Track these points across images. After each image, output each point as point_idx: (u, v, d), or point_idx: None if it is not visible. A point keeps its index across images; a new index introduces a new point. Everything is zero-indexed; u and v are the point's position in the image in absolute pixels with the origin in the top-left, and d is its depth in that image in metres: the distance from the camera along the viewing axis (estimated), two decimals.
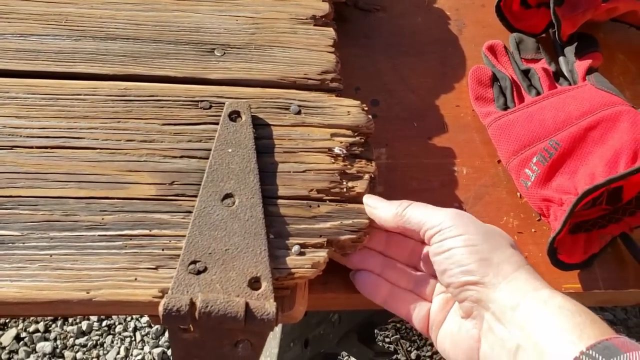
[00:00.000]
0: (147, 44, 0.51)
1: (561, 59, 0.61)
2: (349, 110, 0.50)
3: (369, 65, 0.60)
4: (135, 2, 0.53)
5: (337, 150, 0.48)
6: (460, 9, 0.65)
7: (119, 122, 0.47)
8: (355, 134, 0.49)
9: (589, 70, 0.57)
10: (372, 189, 0.48)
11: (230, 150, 0.46)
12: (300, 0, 0.55)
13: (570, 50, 0.59)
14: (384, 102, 0.58)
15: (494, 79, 0.58)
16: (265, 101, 0.50)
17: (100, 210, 0.43)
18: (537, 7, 0.62)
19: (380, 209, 0.45)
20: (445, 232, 0.42)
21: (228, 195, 0.44)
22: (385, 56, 0.61)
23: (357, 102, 0.51)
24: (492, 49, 0.60)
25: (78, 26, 0.51)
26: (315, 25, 0.54)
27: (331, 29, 0.55)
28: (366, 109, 0.51)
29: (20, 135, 0.45)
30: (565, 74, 0.59)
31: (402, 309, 0.46)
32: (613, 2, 0.57)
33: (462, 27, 0.64)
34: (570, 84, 0.58)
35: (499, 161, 0.55)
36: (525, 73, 0.59)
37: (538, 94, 0.57)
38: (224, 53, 0.51)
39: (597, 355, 0.34)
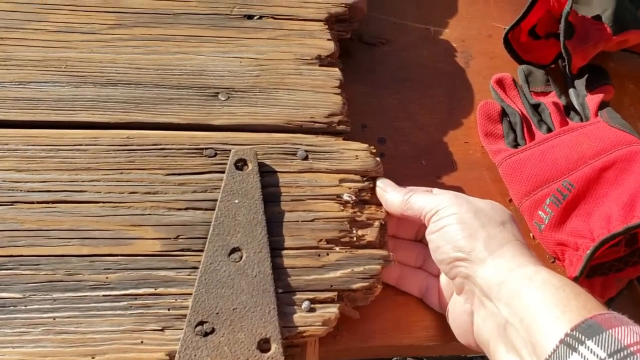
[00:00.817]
0: (149, 89, 0.50)
1: (571, 91, 0.59)
2: (357, 155, 0.49)
3: (375, 101, 0.59)
4: (135, 44, 0.52)
5: (346, 197, 0.47)
6: (466, 40, 0.63)
7: (121, 173, 0.46)
8: (364, 178, 0.48)
9: (601, 105, 0.56)
10: (382, 236, 0.47)
11: (236, 201, 0.45)
12: (305, 40, 0.54)
13: (580, 83, 0.58)
14: (391, 140, 0.57)
15: (503, 114, 0.57)
16: (272, 147, 0.48)
17: (104, 269, 0.42)
18: (546, 37, 0.61)
19: (390, 194, 0.47)
20: (441, 212, 0.44)
21: (235, 250, 0.43)
22: (391, 91, 0.60)
23: (365, 146, 0.50)
24: (500, 83, 0.59)
25: (78, 72, 0.50)
26: (320, 65, 0.53)
27: (337, 69, 0.53)
28: (374, 151, 0.50)
29: (21, 190, 0.44)
30: (576, 107, 0.58)
31: (413, 288, 0.48)
32: (624, 35, 0.56)
33: (469, 59, 0.62)
34: (581, 119, 0.56)
35: (511, 200, 0.54)
36: (535, 107, 0.57)
37: (549, 129, 0.55)
38: (228, 97, 0.50)
39: (580, 335, 0.34)
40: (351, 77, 0.58)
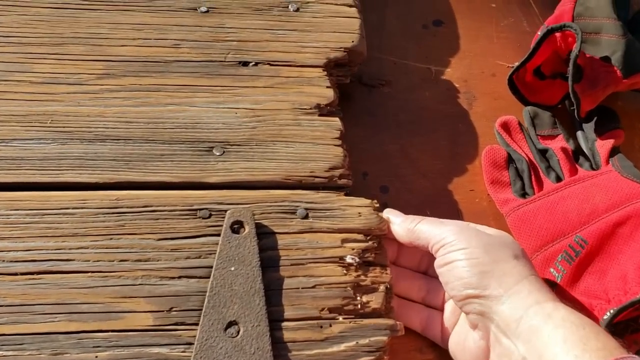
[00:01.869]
0: (139, 144, 0.47)
1: (580, 134, 0.57)
2: (359, 212, 0.47)
3: (376, 147, 0.57)
4: (125, 96, 0.49)
5: (349, 260, 0.44)
6: (469, 80, 0.61)
7: (111, 239, 0.43)
8: (368, 237, 0.46)
9: (612, 151, 0.53)
10: (388, 302, 0.44)
11: (233, 269, 0.42)
12: (303, 87, 0.52)
13: (589, 127, 0.56)
14: (393, 188, 0.55)
15: (510, 160, 0.55)
16: (270, 205, 0.46)
17: (94, 346, 0.39)
18: (552, 77, 0.59)
19: (397, 224, 0.47)
20: (449, 246, 0.43)
21: (232, 323, 0.40)
22: (392, 136, 0.57)
23: (368, 202, 0.47)
24: (505, 126, 0.57)
25: (64, 127, 0.47)
26: (320, 114, 0.51)
27: (337, 118, 0.51)
28: (377, 205, 0.48)
29: (3, 260, 0.41)
30: (586, 151, 0.56)
31: (414, 321, 0.47)
32: (634, 77, 0.54)
33: (472, 100, 0.60)
34: (591, 164, 0.54)
35: None
36: (543, 153, 0.55)
37: (557, 177, 0.53)
38: (224, 152, 0.48)
39: None
40: (351, 121, 0.56)
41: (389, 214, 0.48)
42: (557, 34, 0.55)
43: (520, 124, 0.57)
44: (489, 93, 0.61)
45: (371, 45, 0.60)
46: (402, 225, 0.46)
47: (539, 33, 0.60)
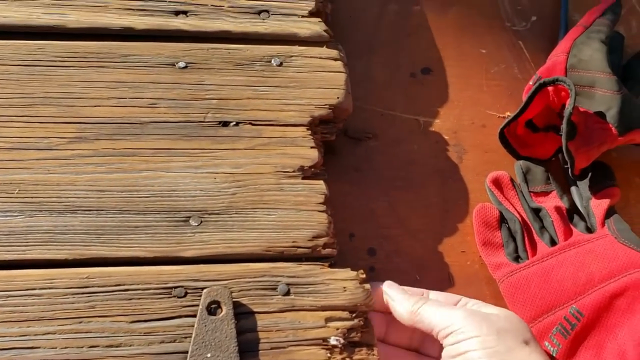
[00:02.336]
0: (112, 215, 0.45)
1: (574, 189, 0.55)
2: (344, 286, 0.44)
3: (363, 204, 0.54)
4: (98, 161, 0.47)
5: (333, 341, 0.42)
6: (458, 131, 0.59)
7: (80, 322, 0.41)
8: (353, 315, 0.44)
9: (608, 212, 0.51)
10: None
11: (209, 355, 0.40)
12: (286, 148, 0.49)
13: (584, 184, 0.54)
14: (381, 250, 0.52)
15: (502, 219, 0.53)
16: (249, 281, 0.44)
17: None
18: (545, 130, 0.57)
19: (398, 303, 0.45)
20: (458, 334, 0.42)
21: None
22: (379, 192, 0.55)
23: (354, 274, 0.45)
24: (497, 182, 0.55)
25: (33, 197, 0.45)
26: (304, 177, 0.49)
27: (321, 181, 0.49)
28: (364, 276, 0.45)
29: None
30: (580, 209, 0.54)
31: None
32: (630, 135, 0.52)
33: (462, 153, 0.58)
34: (586, 225, 0.52)
35: None
36: (536, 211, 0.53)
37: (552, 239, 0.51)
38: (201, 222, 0.45)
39: None
40: (336, 177, 0.54)
41: (389, 289, 0.46)
42: (550, 88, 0.53)
43: (512, 180, 0.55)
44: (480, 145, 0.59)
45: (357, 95, 0.58)
46: (403, 305, 0.45)
47: (530, 83, 0.58)
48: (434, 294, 0.47)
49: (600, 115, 0.52)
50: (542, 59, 0.64)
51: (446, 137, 0.59)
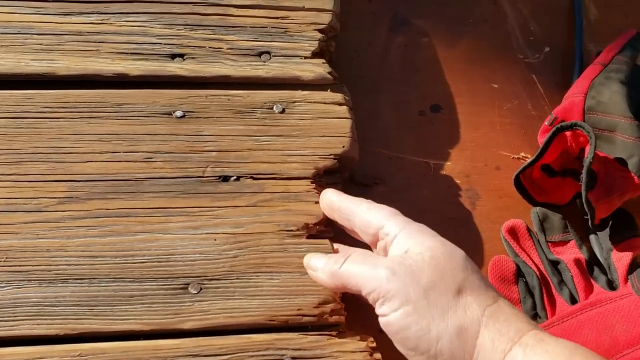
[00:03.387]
0: (105, 284, 0.42)
1: (593, 238, 0.53)
2: (353, 359, 0.42)
3: None
4: (90, 224, 0.44)
5: None
6: (471, 174, 0.56)
7: None
8: None
9: (631, 266, 0.49)
10: None
11: None
12: (290, 204, 0.47)
13: (604, 234, 0.51)
14: None
15: (518, 272, 0.50)
16: (252, 356, 0.41)
17: None
18: (562, 174, 0.54)
19: (319, 271, 0.42)
20: (388, 302, 0.38)
21: None
22: None
23: (363, 345, 0.42)
24: (512, 232, 0.52)
25: (21, 265, 0.42)
26: (308, 236, 0.46)
27: (327, 240, 0.46)
28: (373, 344, 0.43)
29: None
30: (600, 259, 0.51)
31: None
32: None
33: (475, 198, 0.55)
34: (607, 279, 0.49)
35: None
36: (555, 264, 0.50)
37: (571, 295, 0.48)
38: (200, 289, 0.43)
39: None
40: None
41: (311, 260, 0.43)
42: (568, 133, 0.50)
43: (528, 229, 0.52)
44: (494, 190, 0.56)
45: (363, 136, 0.55)
46: (324, 268, 0.41)
47: (546, 123, 0.55)
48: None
49: (621, 162, 0.50)
50: (556, 93, 0.61)
51: (458, 182, 0.56)
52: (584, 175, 0.47)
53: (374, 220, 0.43)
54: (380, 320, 0.39)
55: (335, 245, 0.45)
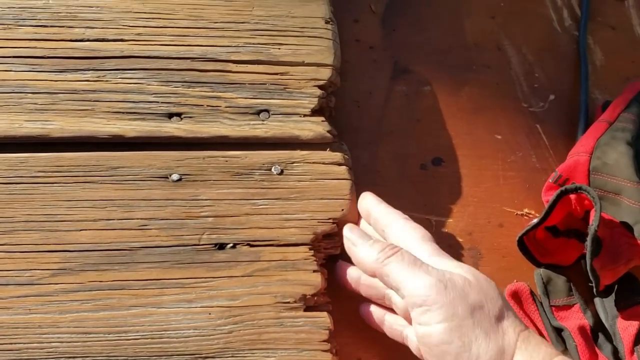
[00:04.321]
0: None
1: (598, 301, 0.51)
2: None
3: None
4: (83, 297, 0.43)
5: None
6: (474, 232, 0.55)
7: None
8: None
9: (637, 336, 0.47)
10: None
11: None
12: (287, 274, 0.46)
13: (610, 301, 0.50)
14: None
15: None
16: None
17: None
18: (566, 235, 0.53)
19: (360, 248, 0.44)
20: (431, 312, 0.39)
21: None
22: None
23: None
24: (516, 296, 0.51)
25: (12, 343, 0.42)
26: (306, 309, 0.45)
27: (325, 313, 0.45)
28: None
29: None
30: (605, 325, 0.50)
31: (398, 335, 0.45)
32: None
33: (477, 258, 0.54)
34: (612, 346, 0.48)
35: None
36: (558, 331, 0.49)
37: None
38: None
39: None
40: (341, 292, 0.50)
41: (350, 232, 0.46)
42: (572, 196, 0.49)
43: (532, 293, 0.51)
44: (497, 249, 0.55)
45: (364, 191, 0.54)
46: (368, 252, 0.43)
47: (550, 181, 0.54)
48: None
49: (627, 227, 0.48)
50: (560, 145, 0.60)
51: (460, 240, 0.55)
52: (588, 243, 0.46)
53: (406, 241, 0.44)
54: (419, 328, 0.40)
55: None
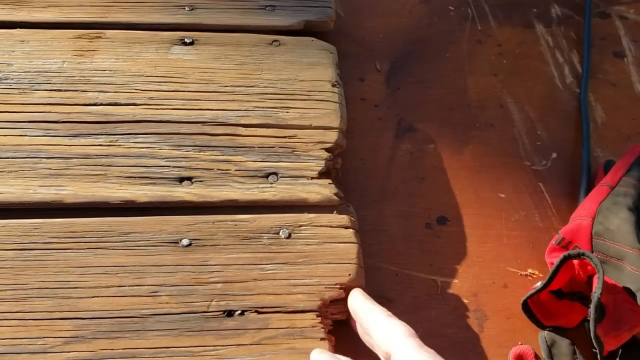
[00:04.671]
0: None
1: None
2: None
3: None
4: None
5: None
6: (478, 293, 0.56)
7: None
8: None
9: None
10: None
11: None
12: (295, 342, 0.47)
13: None
14: None
15: None
16: None
17: None
18: (570, 297, 0.53)
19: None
20: None
21: None
22: None
23: None
24: (520, 359, 0.51)
25: None
26: None
27: None
28: None
29: None
30: None
31: None
32: None
33: (482, 320, 0.55)
34: None
35: None
36: None
37: None
38: None
39: None
40: (350, 354, 0.50)
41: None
42: (575, 261, 0.50)
43: (536, 356, 0.51)
44: (501, 310, 0.55)
45: (370, 252, 0.56)
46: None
47: (553, 243, 0.55)
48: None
49: (630, 293, 0.49)
50: (563, 204, 0.61)
51: (466, 301, 0.55)
52: (592, 311, 0.47)
53: (388, 340, 0.44)
54: None
55: None
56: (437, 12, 0.72)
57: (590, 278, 0.51)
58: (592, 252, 0.52)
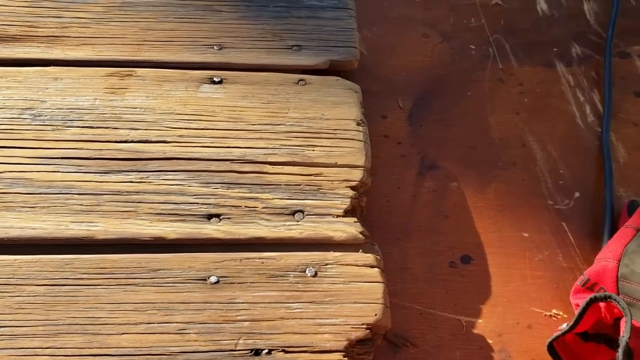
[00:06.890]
0: None
1: None
2: None
3: None
4: None
5: None
6: (503, 334, 0.56)
7: None
8: None
9: None
10: None
11: None
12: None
13: None
14: None
15: None
16: None
17: None
18: (596, 340, 0.53)
19: None
20: None
21: None
22: None
23: None
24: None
25: None
26: None
27: None
28: None
29: None
30: None
31: None
32: None
33: None
34: None
35: None
36: None
37: None
38: None
39: None
40: None
41: None
42: (601, 304, 0.50)
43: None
44: (526, 351, 0.55)
45: (394, 291, 0.56)
46: None
47: (578, 284, 0.55)
48: None
49: None
50: (587, 243, 0.61)
51: (490, 342, 0.55)
52: (620, 355, 0.47)
53: None
54: None
55: None
56: (458, 51, 0.73)
57: (616, 321, 0.51)
58: (618, 294, 0.51)
